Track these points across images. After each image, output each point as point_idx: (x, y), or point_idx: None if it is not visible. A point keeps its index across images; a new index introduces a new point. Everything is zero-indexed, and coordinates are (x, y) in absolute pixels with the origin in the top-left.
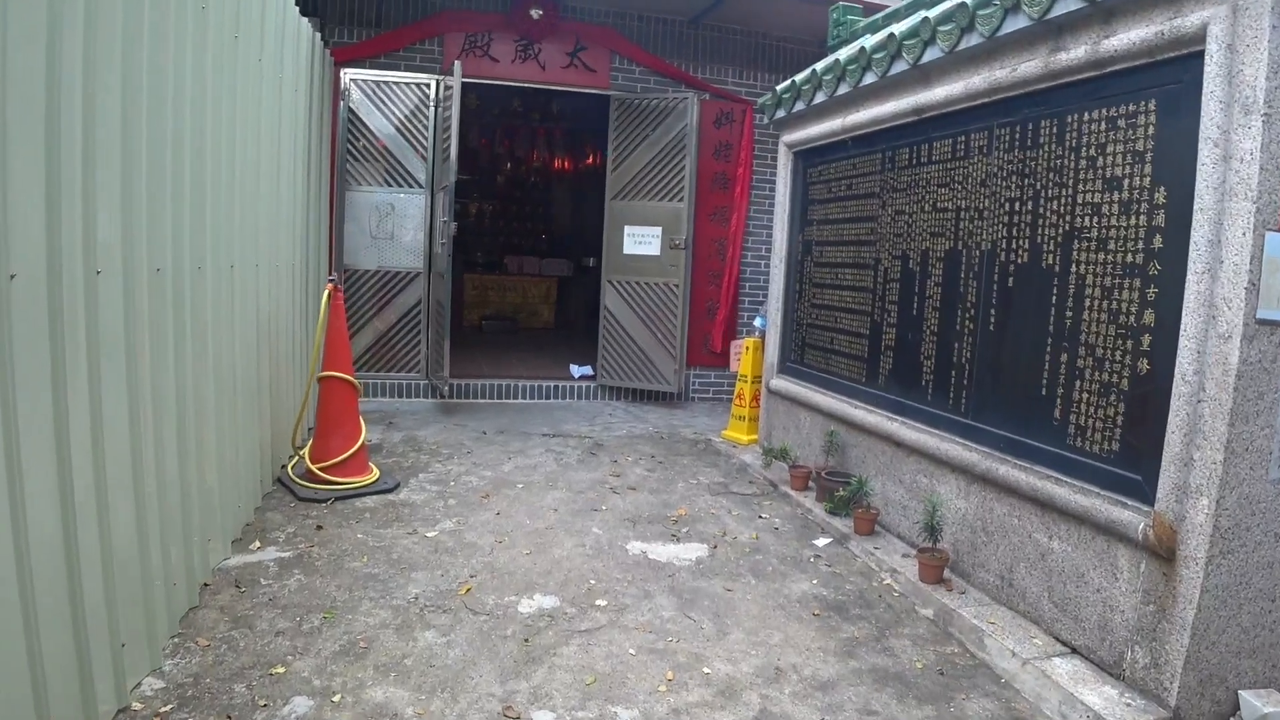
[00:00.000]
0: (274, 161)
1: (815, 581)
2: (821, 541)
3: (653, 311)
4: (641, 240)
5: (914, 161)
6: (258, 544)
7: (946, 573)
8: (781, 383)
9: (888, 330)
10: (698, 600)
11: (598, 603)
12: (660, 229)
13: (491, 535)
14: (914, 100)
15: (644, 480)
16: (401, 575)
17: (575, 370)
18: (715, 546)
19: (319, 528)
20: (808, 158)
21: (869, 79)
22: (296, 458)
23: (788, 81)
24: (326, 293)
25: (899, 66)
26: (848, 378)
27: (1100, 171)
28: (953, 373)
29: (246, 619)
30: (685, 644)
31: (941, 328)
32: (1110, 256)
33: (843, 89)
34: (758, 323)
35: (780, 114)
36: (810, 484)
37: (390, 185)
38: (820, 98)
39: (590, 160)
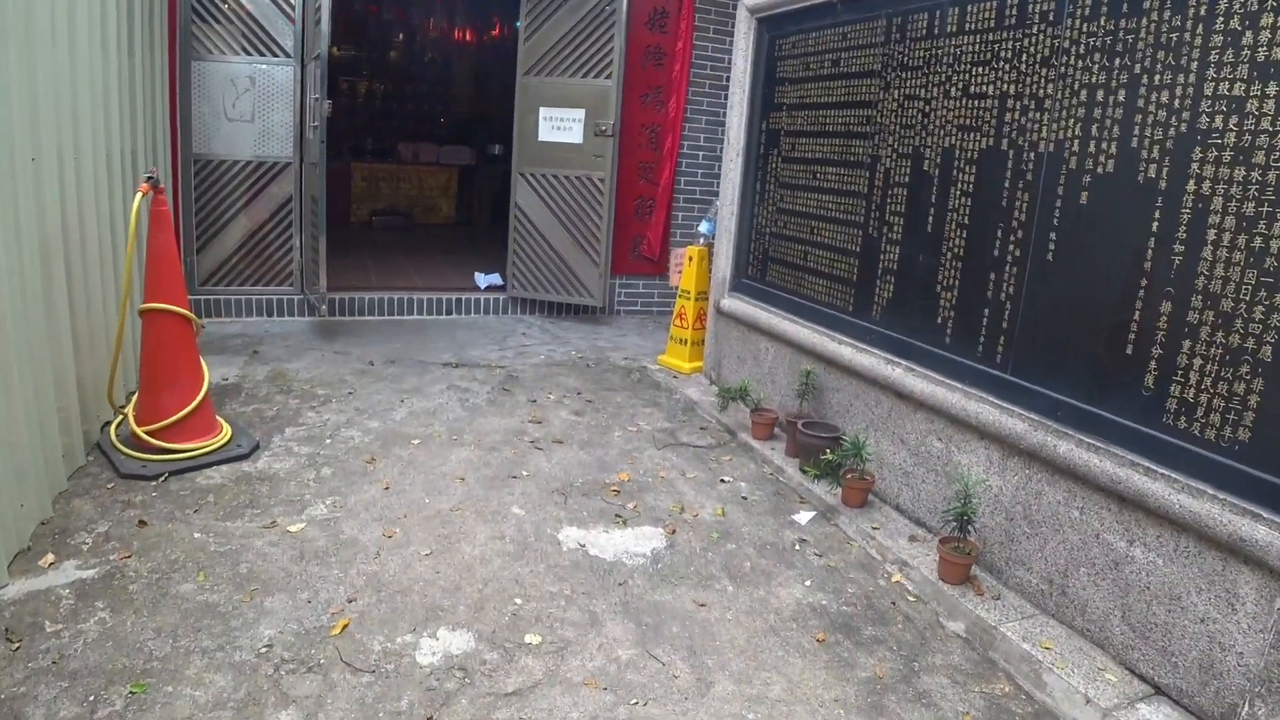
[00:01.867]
0: (62, 12)
1: (809, 583)
2: (803, 516)
3: (573, 210)
4: (560, 125)
5: (936, 31)
6: (51, 557)
7: (973, 569)
8: (736, 303)
9: (888, 248)
10: (662, 626)
11: (528, 639)
12: (583, 112)
13: (379, 525)
14: None
15: (572, 428)
16: (251, 604)
17: (481, 279)
18: (673, 531)
19: (142, 523)
20: (777, 26)
21: None
22: (121, 417)
23: None
24: (139, 196)
25: None
26: (828, 304)
27: (1245, 53)
28: (986, 311)
29: (12, 703)
30: (657, 707)
31: (971, 251)
32: (1255, 174)
33: None
34: (703, 228)
35: None
36: (776, 431)
37: (250, 54)
38: None
39: (496, 32)
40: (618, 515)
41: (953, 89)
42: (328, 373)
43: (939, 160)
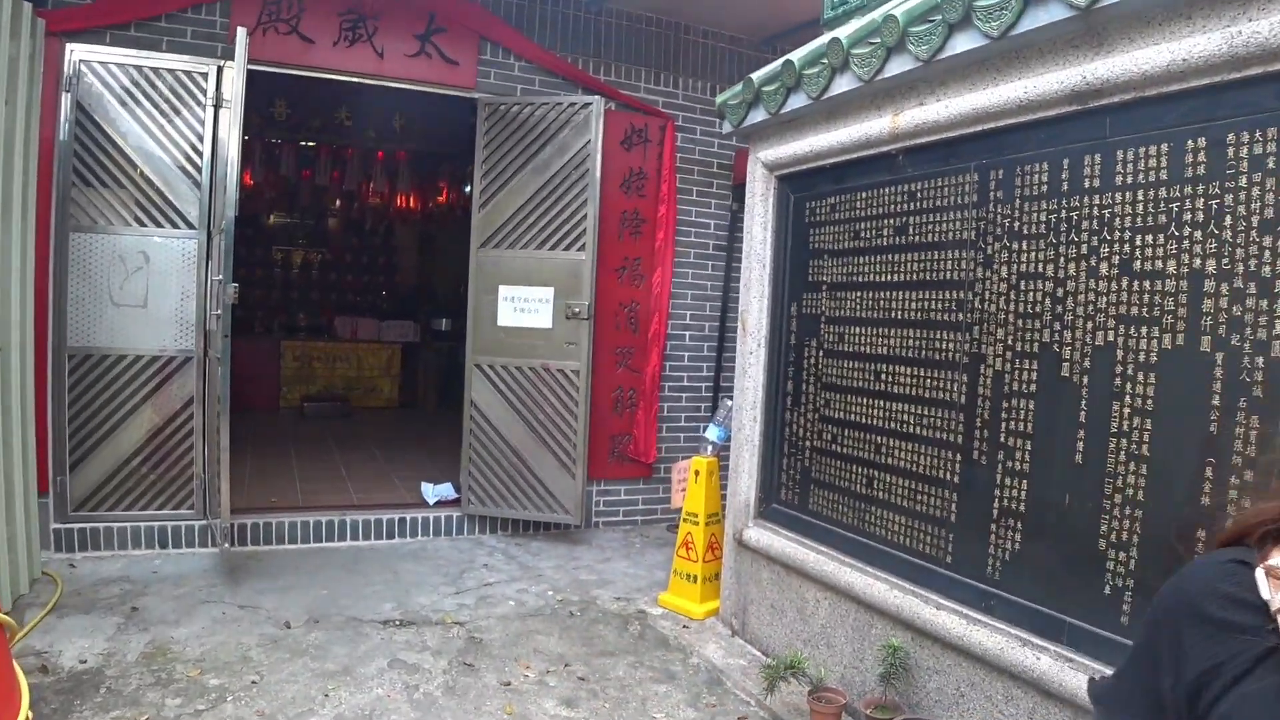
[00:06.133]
0: None
1: None
2: None
3: (541, 409)
4: (524, 306)
5: (1066, 187)
6: None
7: None
8: (766, 536)
9: (1009, 482)
10: None
11: None
12: (551, 290)
13: None
14: (1078, 74)
15: None
16: None
17: (430, 492)
18: None
19: None
20: (807, 185)
21: (961, 44)
22: None
23: (776, 63)
24: None
25: (1043, 15)
26: (912, 550)
27: None
28: None
29: None
30: None
31: (1158, 496)
32: None
33: (895, 68)
34: (713, 434)
35: (757, 118)
36: None
37: (145, 224)
38: (843, 85)
39: (443, 198)
40: None
41: (1106, 264)
42: (226, 644)
43: (1087, 364)
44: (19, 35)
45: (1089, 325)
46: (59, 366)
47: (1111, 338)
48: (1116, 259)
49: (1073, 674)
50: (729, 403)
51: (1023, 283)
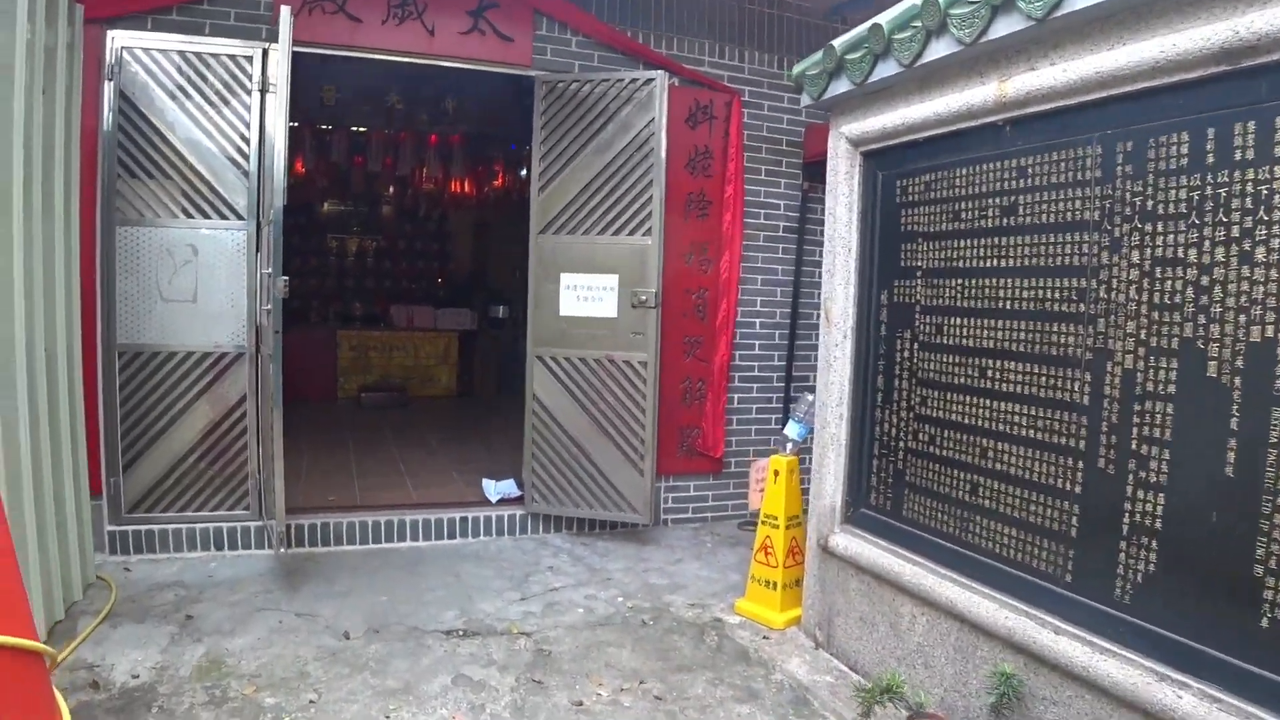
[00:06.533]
0: None
1: None
2: None
3: (606, 402)
4: (587, 295)
5: (1213, 160)
6: None
7: None
8: (855, 543)
9: (1142, 494)
10: None
11: None
12: (616, 278)
13: None
14: (1227, 29)
15: None
16: None
17: (492, 489)
18: None
19: None
20: (897, 161)
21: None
22: None
23: (862, 28)
24: None
25: None
26: (1025, 566)
27: None
28: None
29: None
30: None
31: None
32: None
33: (1002, 29)
34: (793, 432)
35: (840, 89)
36: None
37: (192, 215)
38: (940, 50)
39: (499, 182)
40: None
41: (1261, 250)
42: (283, 657)
43: (1240, 363)
44: (55, 22)
45: (1242, 319)
46: (109, 365)
47: (1271, 333)
48: (1277, 243)
49: (1222, 717)
50: (810, 397)
51: (1158, 269)
